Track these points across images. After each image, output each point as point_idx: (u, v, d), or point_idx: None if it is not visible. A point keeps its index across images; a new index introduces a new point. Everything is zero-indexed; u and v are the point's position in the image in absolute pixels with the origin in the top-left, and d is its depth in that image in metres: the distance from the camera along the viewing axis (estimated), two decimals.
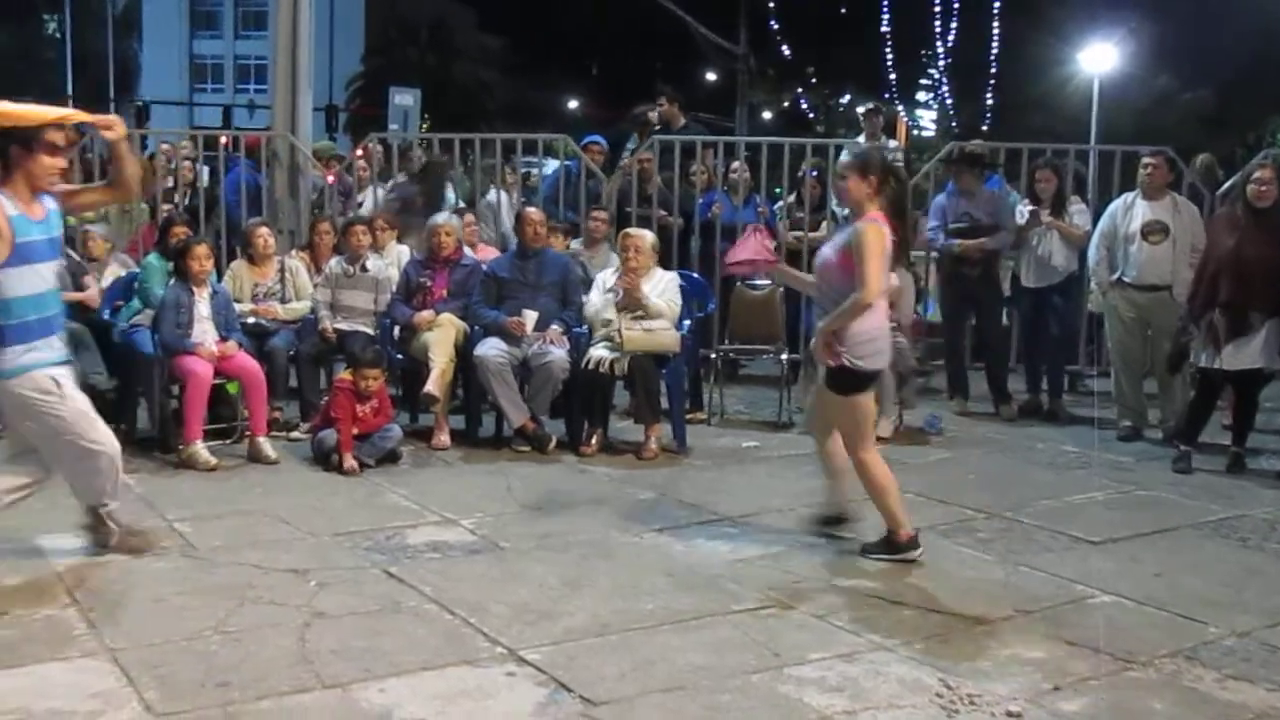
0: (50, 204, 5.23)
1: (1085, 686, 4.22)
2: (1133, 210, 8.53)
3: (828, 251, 5.74)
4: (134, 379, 7.96)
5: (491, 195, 10.76)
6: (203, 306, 7.60)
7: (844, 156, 6.03)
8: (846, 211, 5.87)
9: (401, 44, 49.97)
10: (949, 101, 39.13)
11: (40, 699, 3.97)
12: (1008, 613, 4.95)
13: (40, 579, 5.17)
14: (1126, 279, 8.52)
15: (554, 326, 8.00)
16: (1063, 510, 6.61)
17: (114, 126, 5.33)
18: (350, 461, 7.18)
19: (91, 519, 5.52)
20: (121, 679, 4.14)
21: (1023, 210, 9.39)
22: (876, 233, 5.43)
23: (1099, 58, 29.47)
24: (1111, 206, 8.78)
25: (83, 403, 5.25)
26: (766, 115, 42.29)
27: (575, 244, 9.52)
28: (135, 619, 4.73)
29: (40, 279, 5.11)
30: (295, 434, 8.01)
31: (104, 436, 5.27)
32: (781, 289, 9.33)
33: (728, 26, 31.32)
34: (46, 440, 5.20)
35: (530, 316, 7.95)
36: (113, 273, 9.09)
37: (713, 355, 9.08)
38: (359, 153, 12.09)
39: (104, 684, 4.11)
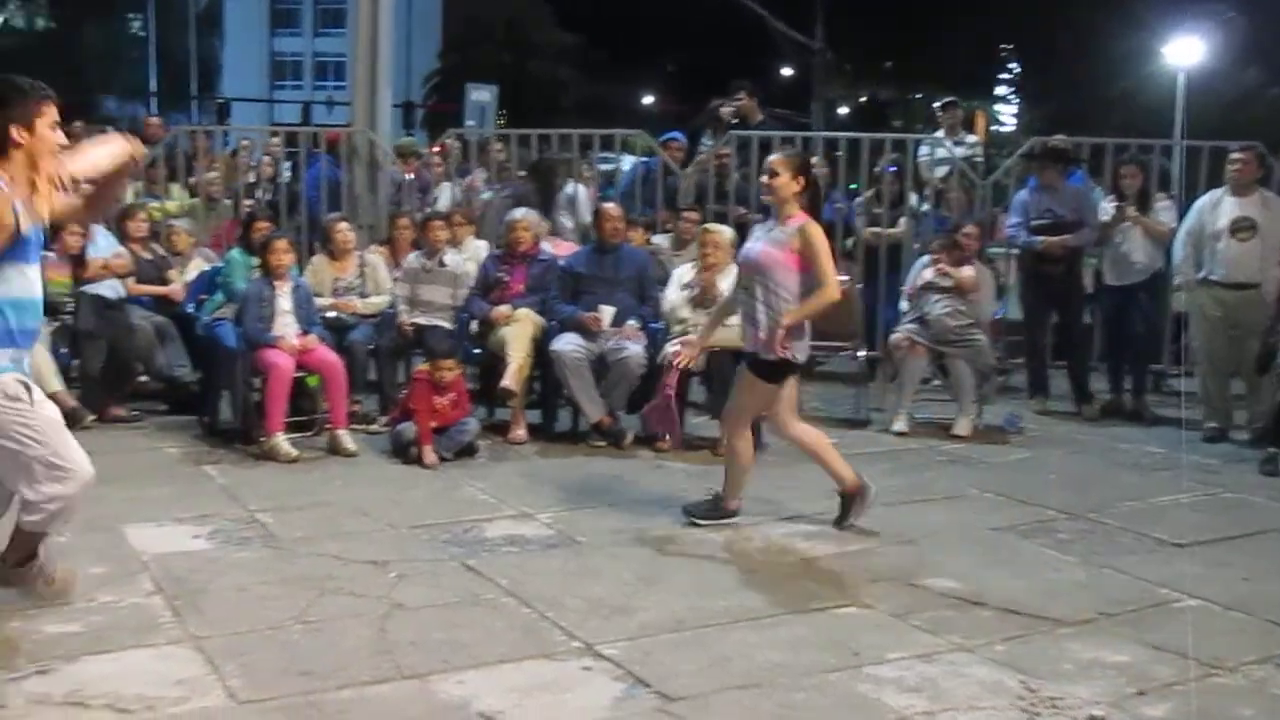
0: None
1: (1170, 692, 4.14)
2: (1220, 207, 8.36)
3: (767, 249, 5.85)
4: (217, 371, 8.08)
5: (570, 189, 10.78)
6: (284, 300, 7.69)
7: (777, 154, 6.04)
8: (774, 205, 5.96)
9: (478, 41, 50.25)
10: (1029, 96, 38.63)
11: (128, 685, 4.04)
12: (1090, 615, 4.88)
13: (126, 567, 5.26)
14: (1213, 277, 8.36)
15: (631, 322, 8.00)
16: (1147, 512, 6.50)
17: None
18: (430, 455, 7.23)
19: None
20: (206, 666, 4.21)
21: (1107, 206, 9.25)
22: (820, 231, 5.81)
23: (1185, 51, 28.93)
24: (1198, 203, 8.62)
25: (56, 414, 4.40)
26: (843, 110, 42.01)
27: (657, 239, 9.52)
28: (219, 607, 4.80)
29: (29, 281, 4.27)
30: (374, 427, 8.09)
31: (78, 458, 4.31)
32: (860, 285, 9.29)
33: (804, 21, 31.15)
34: (6, 457, 4.23)
35: (607, 312, 7.95)
36: (196, 266, 9.25)
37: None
38: (435, 149, 12.18)
39: (189, 671, 4.17)
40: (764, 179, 5.96)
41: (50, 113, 4.17)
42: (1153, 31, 29.62)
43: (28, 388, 4.24)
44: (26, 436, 4.16)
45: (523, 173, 10.86)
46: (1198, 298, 8.51)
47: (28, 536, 4.43)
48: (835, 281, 5.79)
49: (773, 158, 6.00)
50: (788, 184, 5.83)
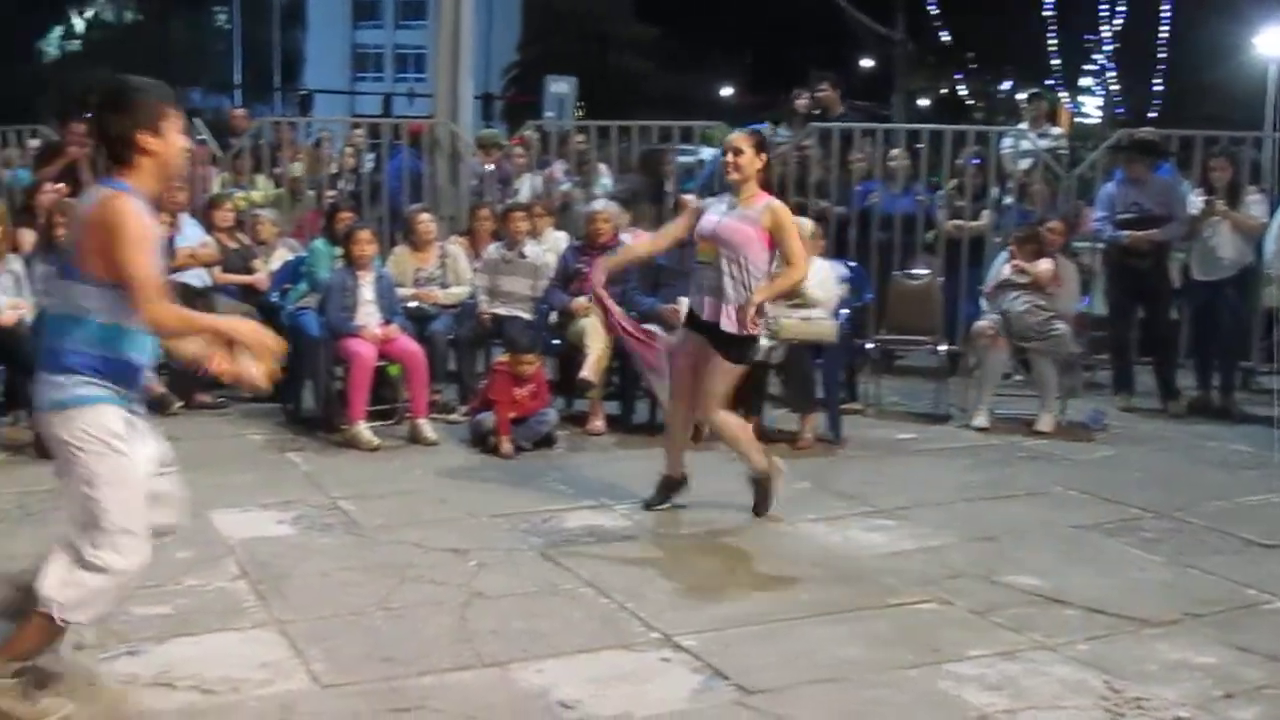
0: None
1: (1259, 695, 4.07)
2: None
3: (738, 225, 5.81)
4: (300, 360, 8.14)
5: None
6: (366, 290, 7.77)
7: (738, 131, 6.06)
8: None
9: (557, 32, 50.41)
10: (1115, 87, 38.02)
11: (214, 667, 4.11)
12: (1176, 615, 4.80)
13: (212, 552, 5.35)
14: None
15: None
16: (1234, 511, 6.38)
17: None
18: (507, 445, 7.28)
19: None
20: (290, 650, 4.27)
21: (1195, 200, 9.08)
22: (787, 211, 5.91)
23: (1277, 41, 28.33)
24: None
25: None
26: (924, 102, 41.63)
27: None
28: (302, 593, 4.87)
29: None
30: (454, 416, 8.15)
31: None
32: (941, 279, 9.20)
33: (885, 12, 30.89)
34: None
35: (686, 304, 7.94)
36: (280, 256, 9.37)
37: (869, 346, 8.97)
38: (515, 140, 12.24)
39: (273, 654, 4.24)
40: (728, 157, 5.91)
41: (177, 117, 3.69)
42: (1244, 21, 28.99)
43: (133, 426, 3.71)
44: (107, 483, 3.57)
45: (560, 164, 10.89)
46: None
47: (42, 628, 3.63)
48: (804, 262, 5.92)
49: (734, 135, 5.99)
50: (751, 160, 5.82)
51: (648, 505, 6.18)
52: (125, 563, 3.63)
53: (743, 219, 5.81)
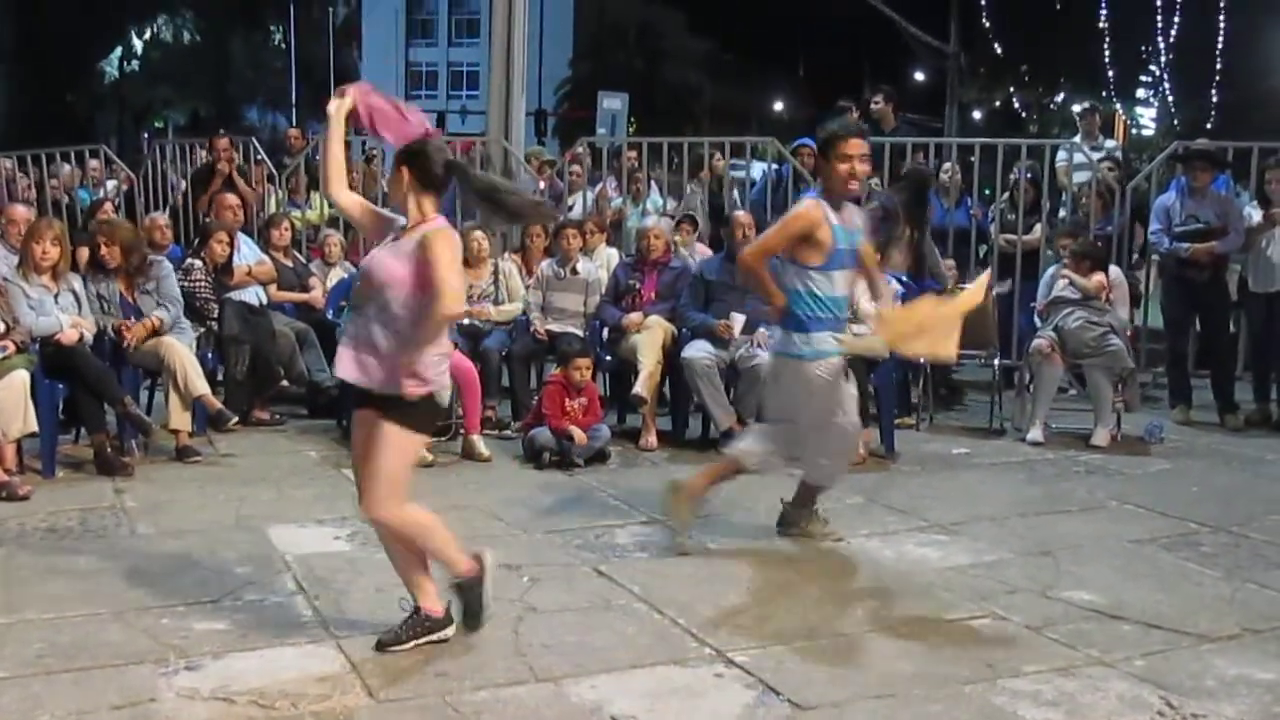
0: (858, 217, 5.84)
1: None
2: None
3: (389, 261, 4.41)
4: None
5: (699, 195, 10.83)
6: None
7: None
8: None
9: (610, 47, 50.60)
10: (1170, 99, 37.64)
11: (272, 681, 4.16)
12: (1235, 631, 4.75)
13: (270, 567, 5.42)
14: None
15: (762, 329, 7.99)
16: None
17: None
18: (579, 434, 7.37)
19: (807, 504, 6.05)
20: (346, 665, 4.32)
21: (1252, 212, 8.99)
22: (446, 238, 4.38)
23: None
24: None
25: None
26: (977, 115, 41.42)
27: None
28: (358, 607, 4.92)
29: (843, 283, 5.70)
30: (507, 432, 8.20)
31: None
32: (995, 293, 9.12)
33: (938, 24, 30.78)
34: (816, 421, 5.70)
35: (738, 319, 7.95)
36: (336, 274, 9.47)
37: (923, 360, 8.91)
38: (569, 157, 12.30)
39: (330, 668, 4.29)
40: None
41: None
42: None
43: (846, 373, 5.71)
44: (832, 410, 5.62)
45: (613, 179, 10.89)
46: None
47: (812, 489, 6.01)
48: (453, 292, 4.30)
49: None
50: (395, 180, 4.53)
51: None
52: None
53: (396, 253, 4.40)
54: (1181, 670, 4.35)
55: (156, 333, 7.60)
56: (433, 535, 4.55)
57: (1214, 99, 33.67)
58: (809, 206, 5.59)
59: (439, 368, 4.48)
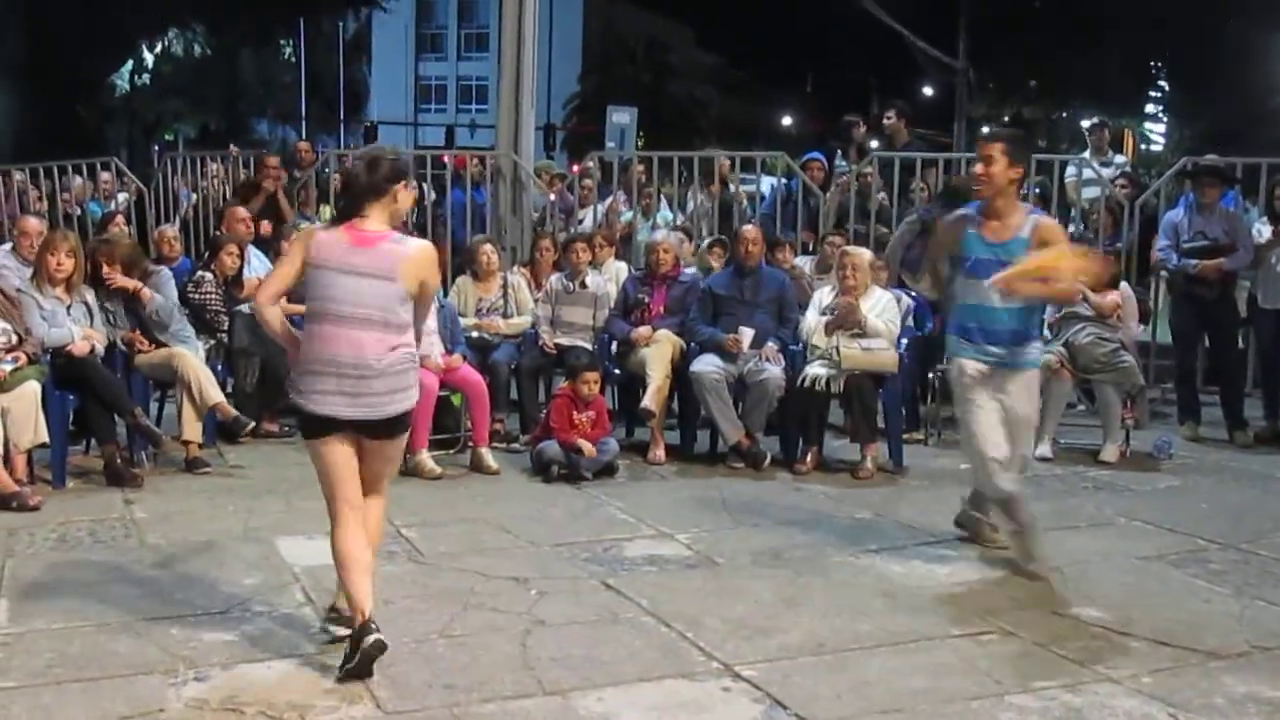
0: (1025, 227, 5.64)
1: None
2: None
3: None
4: None
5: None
6: (430, 320, 7.85)
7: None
8: None
9: (619, 62, 50.73)
10: (1181, 114, 37.59)
11: (281, 693, 4.17)
12: (1244, 648, 4.74)
13: (279, 578, 5.43)
14: None
15: (770, 344, 8.01)
16: None
17: None
18: (588, 446, 7.40)
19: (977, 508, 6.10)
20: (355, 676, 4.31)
21: (1261, 229, 8.98)
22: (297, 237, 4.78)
23: None
24: None
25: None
26: (986, 130, 41.40)
27: (799, 261, 9.50)
28: None
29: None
30: (516, 445, 8.21)
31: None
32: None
33: (946, 39, 30.81)
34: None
35: (747, 333, 7.97)
36: None
37: (931, 375, 8.92)
38: (579, 171, 12.35)
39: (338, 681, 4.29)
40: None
41: None
42: None
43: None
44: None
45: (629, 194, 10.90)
46: None
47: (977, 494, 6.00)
48: (265, 289, 4.75)
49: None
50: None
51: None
52: None
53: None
54: (1190, 688, 4.34)
55: (151, 337, 7.67)
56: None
57: (1223, 114, 33.62)
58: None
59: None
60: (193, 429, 7.46)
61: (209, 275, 8.48)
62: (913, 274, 9.22)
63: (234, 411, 7.60)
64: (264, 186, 10.99)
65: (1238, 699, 4.25)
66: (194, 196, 12.37)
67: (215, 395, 7.51)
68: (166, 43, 39.22)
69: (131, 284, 7.64)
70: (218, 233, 9.59)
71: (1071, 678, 4.42)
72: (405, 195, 4.60)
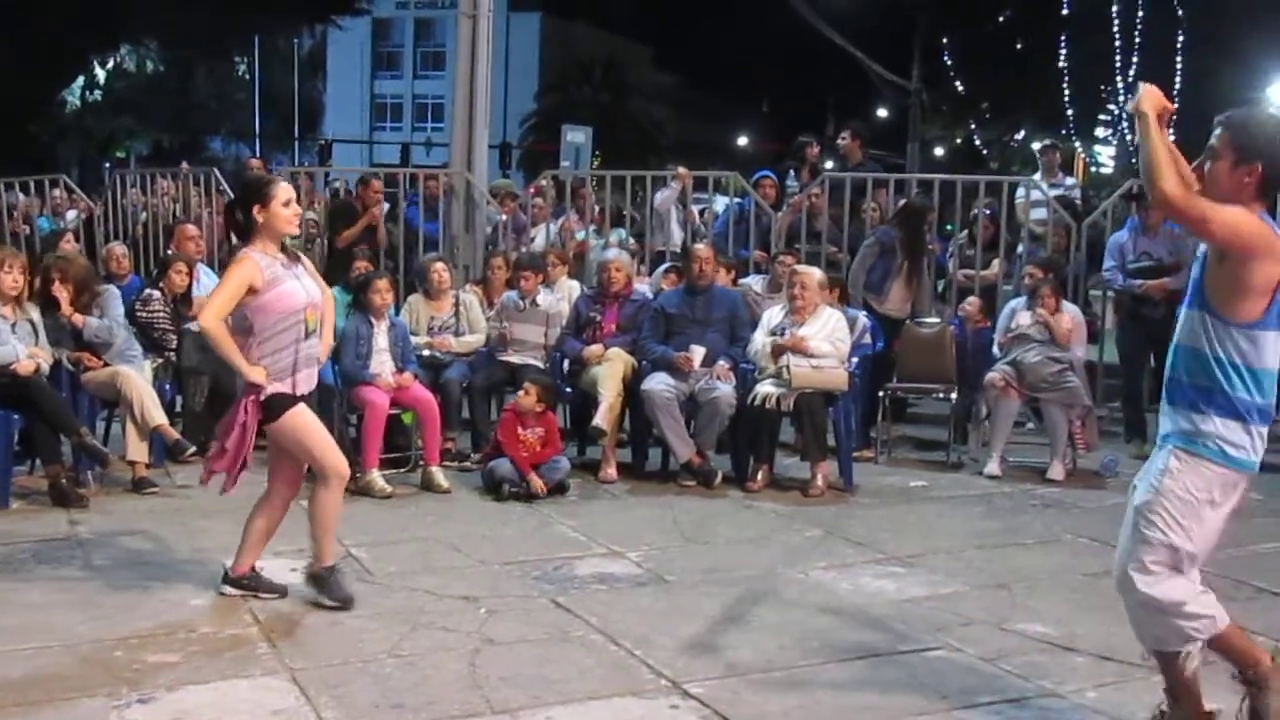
0: None
1: None
2: None
3: (315, 287, 5.37)
4: (314, 408, 8.20)
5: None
6: (381, 339, 7.84)
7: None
8: None
9: (576, 82, 50.83)
10: (1129, 137, 38.08)
11: (226, 714, 4.14)
12: None
13: (226, 599, 5.39)
14: None
15: (721, 362, 8.03)
16: (1246, 559, 6.35)
17: None
18: (538, 481, 7.38)
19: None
20: (301, 698, 4.29)
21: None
22: (238, 264, 5.14)
23: None
24: None
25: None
26: (939, 151, 41.77)
27: (747, 281, 9.54)
28: (314, 640, 4.90)
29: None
30: (467, 464, 8.19)
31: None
32: (952, 327, 9.21)
33: (901, 62, 31.11)
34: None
35: (698, 352, 7.99)
36: None
37: (881, 394, 8.98)
38: (533, 190, 12.35)
39: (285, 702, 4.26)
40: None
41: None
42: (1257, 71, 29.14)
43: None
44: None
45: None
46: None
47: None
48: (210, 311, 5.13)
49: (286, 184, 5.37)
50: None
51: None
52: None
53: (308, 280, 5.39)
54: (1134, 701, 4.38)
55: (94, 352, 7.62)
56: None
57: (1171, 138, 34.07)
58: None
59: None
60: (138, 449, 7.39)
61: (157, 294, 8.42)
62: (875, 295, 9.35)
63: (175, 434, 7.53)
64: (372, 212, 10.88)
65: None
66: (144, 214, 12.29)
67: (158, 416, 7.43)
68: (119, 59, 38.98)
69: (66, 311, 7.60)
70: (167, 251, 9.53)
71: (1017, 692, 4.46)
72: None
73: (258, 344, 5.15)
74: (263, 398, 5.15)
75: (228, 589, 5.42)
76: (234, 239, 5.46)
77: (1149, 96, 3.90)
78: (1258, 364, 3.76)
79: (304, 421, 5.26)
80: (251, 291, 5.09)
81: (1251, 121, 3.88)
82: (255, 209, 5.16)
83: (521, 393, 7.65)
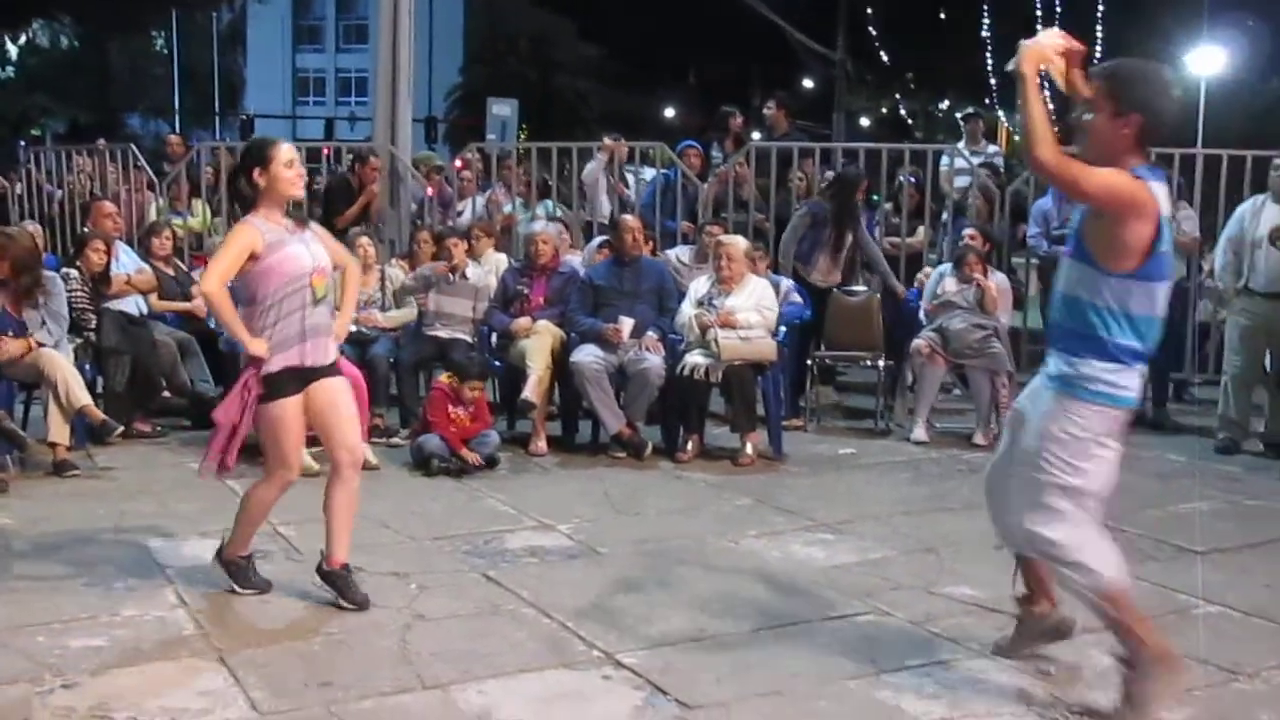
0: None
1: (1189, 697, 4.13)
2: (1261, 214, 8.18)
3: (322, 252, 5.08)
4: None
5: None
6: None
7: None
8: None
9: (501, 55, 50.44)
10: (1051, 106, 38.48)
11: (152, 697, 4.07)
12: None
13: (150, 582, 5.30)
14: (1252, 286, 8.20)
15: (650, 333, 8.03)
16: (1168, 520, 6.49)
17: None
18: (473, 455, 7.36)
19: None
20: (229, 679, 4.24)
21: None
22: (238, 228, 4.97)
23: (1206, 60, 28.90)
24: (1239, 210, 8.46)
25: None
26: (865, 122, 42.04)
27: (674, 252, 9.54)
28: (241, 620, 4.85)
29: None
30: (395, 440, 8.13)
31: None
32: (878, 295, 9.27)
33: (825, 32, 31.18)
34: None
35: (627, 323, 7.98)
36: None
37: (809, 362, 9.03)
38: (459, 164, 12.25)
39: (212, 683, 4.21)
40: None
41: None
42: (1174, 40, 29.55)
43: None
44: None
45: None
46: (1235, 306, 8.37)
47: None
48: (210, 275, 4.95)
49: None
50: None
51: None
52: None
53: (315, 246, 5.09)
54: (1060, 661, 4.45)
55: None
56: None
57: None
58: None
59: None
60: (60, 431, 7.25)
61: (75, 272, 8.25)
62: (805, 265, 9.39)
63: (102, 415, 7.40)
64: (369, 189, 10.63)
65: (1105, 670, 4.34)
66: (60, 192, 12.05)
67: (83, 397, 7.30)
68: (32, 34, 38.13)
69: (18, 349, 7.33)
70: (84, 228, 9.35)
71: (946, 654, 4.51)
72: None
73: (260, 313, 4.91)
74: (264, 373, 4.91)
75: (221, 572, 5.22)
76: (238, 210, 5.16)
77: (1029, 56, 3.93)
78: (1135, 310, 3.87)
79: (287, 416, 4.95)
80: (253, 258, 4.86)
81: (1129, 73, 3.95)
82: (256, 172, 4.90)
83: (470, 389, 7.57)
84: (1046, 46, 3.98)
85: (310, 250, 4.98)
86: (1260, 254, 8.15)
